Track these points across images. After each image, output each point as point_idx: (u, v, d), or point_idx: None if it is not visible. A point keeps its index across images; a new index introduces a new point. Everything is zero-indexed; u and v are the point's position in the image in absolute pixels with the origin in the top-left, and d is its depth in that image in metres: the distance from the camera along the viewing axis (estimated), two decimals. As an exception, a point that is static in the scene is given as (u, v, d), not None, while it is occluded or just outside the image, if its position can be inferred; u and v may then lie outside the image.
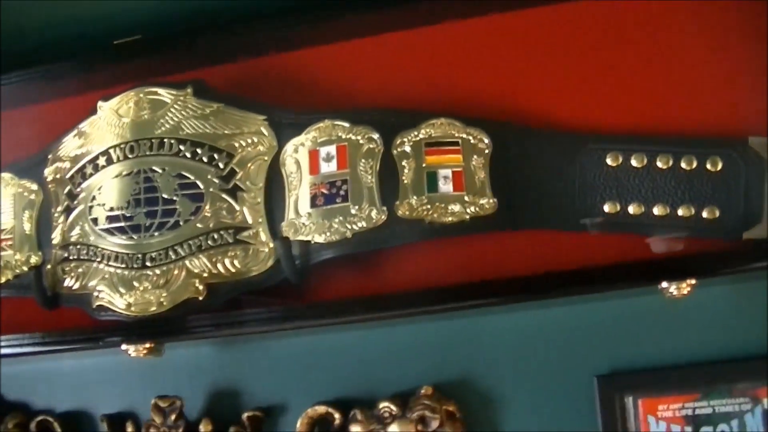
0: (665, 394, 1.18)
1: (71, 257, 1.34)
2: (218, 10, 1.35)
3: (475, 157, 1.22)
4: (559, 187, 1.22)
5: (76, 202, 1.35)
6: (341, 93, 1.32)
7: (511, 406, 1.26)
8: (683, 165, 1.18)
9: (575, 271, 1.15)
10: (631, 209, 1.20)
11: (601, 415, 1.20)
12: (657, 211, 1.19)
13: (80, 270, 1.33)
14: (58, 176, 1.38)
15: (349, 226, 1.21)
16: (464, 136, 1.23)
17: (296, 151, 1.27)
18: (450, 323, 1.29)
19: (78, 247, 1.33)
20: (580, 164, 1.22)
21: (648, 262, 1.14)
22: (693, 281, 1.10)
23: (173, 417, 1.31)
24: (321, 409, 1.27)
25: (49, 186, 1.39)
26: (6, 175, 1.44)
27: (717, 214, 1.17)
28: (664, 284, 1.11)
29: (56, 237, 1.36)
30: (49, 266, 1.36)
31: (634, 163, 1.20)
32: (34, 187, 1.40)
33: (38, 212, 1.40)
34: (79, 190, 1.35)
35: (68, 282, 1.34)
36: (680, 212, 1.18)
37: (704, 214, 1.17)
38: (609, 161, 1.21)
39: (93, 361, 1.44)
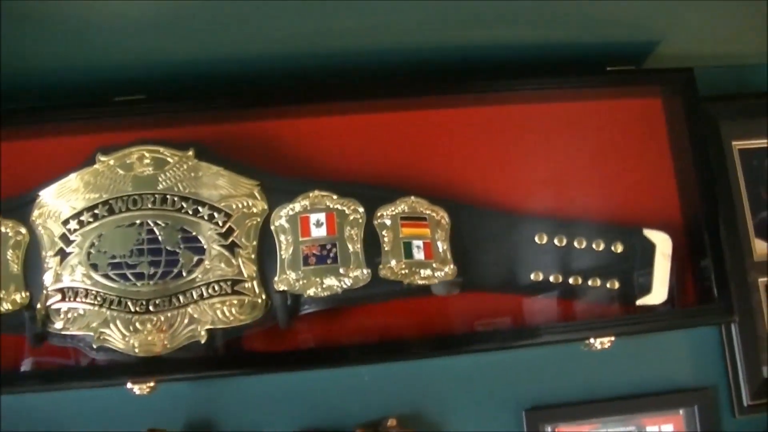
0: (576, 423, 1.55)
1: (67, 299, 1.44)
2: (220, 74, 1.51)
3: (438, 231, 1.50)
4: (497, 257, 1.54)
5: (71, 247, 1.45)
6: (327, 163, 1.53)
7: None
8: (593, 246, 1.55)
9: (512, 329, 1.49)
10: (551, 278, 1.54)
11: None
12: (572, 281, 1.54)
13: (78, 312, 1.43)
14: (50, 220, 1.46)
15: (338, 284, 1.45)
16: (430, 212, 1.51)
17: (288, 216, 1.47)
18: (405, 364, 1.56)
19: (74, 290, 1.44)
20: (513, 241, 1.54)
21: (577, 323, 1.49)
22: (612, 338, 1.47)
23: (163, 449, 1.47)
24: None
25: (38, 228, 1.47)
26: (-11, 213, 1.49)
27: (617, 285, 1.55)
28: (591, 340, 1.47)
29: (48, 279, 1.45)
30: (39, 306, 1.45)
31: (556, 242, 1.55)
32: (22, 229, 1.47)
33: (24, 253, 1.48)
34: (75, 236, 1.45)
35: (61, 322, 1.44)
36: (590, 282, 1.55)
37: (607, 285, 1.55)
38: (536, 239, 1.55)
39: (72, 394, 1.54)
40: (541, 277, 1.54)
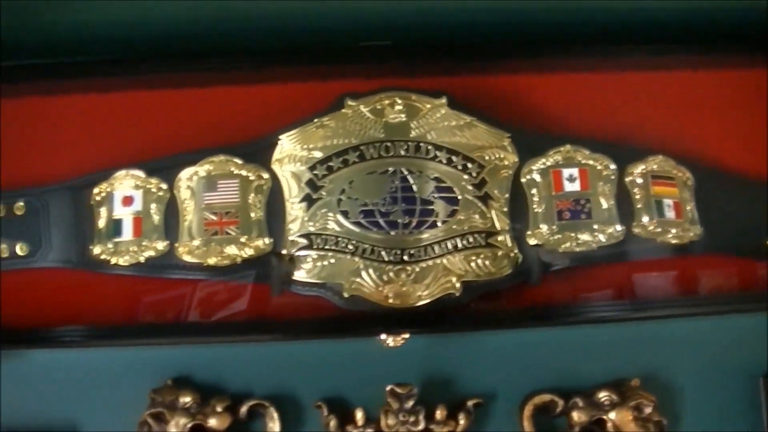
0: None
1: (314, 246, 1.38)
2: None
3: (685, 191, 1.47)
4: (743, 222, 1.50)
5: (319, 193, 1.39)
6: (573, 119, 1.49)
7: (685, 400, 1.51)
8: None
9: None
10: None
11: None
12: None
13: (326, 260, 1.38)
14: (294, 165, 1.41)
15: (592, 240, 1.41)
16: (676, 172, 1.47)
17: (539, 169, 1.43)
18: (640, 326, 1.51)
19: (323, 237, 1.38)
20: (756, 208, 1.50)
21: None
22: None
23: (410, 403, 1.41)
24: (546, 396, 1.44)
25: (280, 173, 1.41)
26: (224, 158, 1.43)
27: None
28: None
29: (294, 226, 1.39)
30: (284, 252, 1.39)
31: None
32: (264, 174, 1.41)
33: (267, 198, 1.42)
34: (323, 182, 1.40)
35: (307, 270, 1.38)
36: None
37: None
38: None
39: (292, 346, 1.48)
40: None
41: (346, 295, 1.36)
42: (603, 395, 1.43)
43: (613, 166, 1.44)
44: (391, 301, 1.36)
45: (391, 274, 1.37)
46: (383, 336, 1.36)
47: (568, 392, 1.44)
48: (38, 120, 1.49)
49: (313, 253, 1.38)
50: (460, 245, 1.39)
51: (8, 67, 1.51)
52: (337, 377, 1.46)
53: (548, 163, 1.43)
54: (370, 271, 1.37)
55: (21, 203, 1.46)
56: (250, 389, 1.45)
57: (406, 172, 1.40)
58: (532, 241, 1.41)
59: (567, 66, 1.50)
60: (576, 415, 1.43)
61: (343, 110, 1.42)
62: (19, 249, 1.45)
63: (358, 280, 1.37)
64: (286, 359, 1.46)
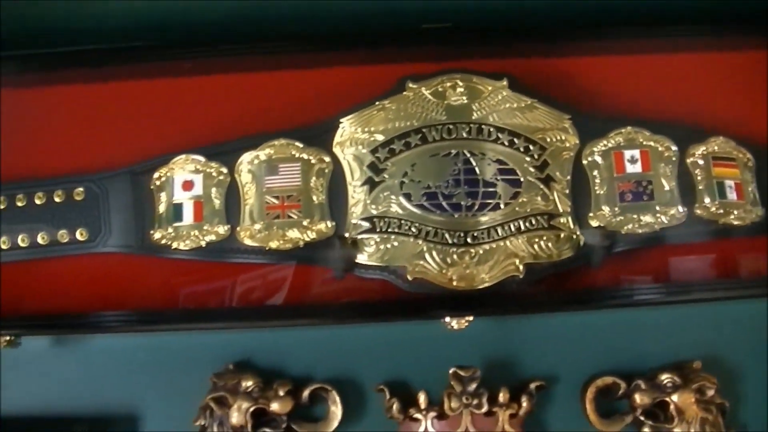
0: None
1: (377, 230, 1.38)
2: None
3: (746, 172, 1.46)
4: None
5: (381, 176, 1.39)
6: (631, 101, 1.48)
7: (746, 382, 1.50)
8: None
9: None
10: None
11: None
12: None
13: (389, 243, 1.37)
14: (355, 148, 1.40)
15: (655, 221, 1.40)
16: (737, 153, 1.47)
17: (601, 151, 1.42)
18: (700, 307, 1.50)
19: (386, 220, 1.38)
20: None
21: None
22: None
23: (474, 386, 1.40)
24: (608, 379, 1.44)
25: (342, 156, 1.41)
26: (285, 142, 1.42)
27: None
28: None
29: (356, 209, 1.39)
30: (346, 236, 1.39)
31: None
32: (326, 157, 1.41)
33: (328, 182, 1.41)
34: (386, 164, 1.39)
35: (370, 254, 1.38)
36: None
37: None
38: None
39: (352, 330, 1.48)
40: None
41: (409, 278, 1.36)
42: (665, 378, 1.43)
43: (674, 148, 1.43)
44: (455, 283, 1.36)
45: (455, 256, 1.37)
46: (447, 319, 1.35)
47: (630, 375, 1.44)
48: (96, 106, 1.49)
49: (376, 236, 1.38)
50: (522, 227, 1.38)
51: (62, 54, 1.51)
52: (399, 360, 1.46)
53: (609, 145, 1.43)
54: (434, 253, 1.37)
55: (80, 189, 1.46)
56: (311, 373, 1.46)
57: (468, 155, 1.39)
58: (594, 223, 1.40)
59: (626, 48, 1.49)
60: (638, 398, 1.42)
61: (404, 93, 1.42)
62: (79, 234, 1.45)
63: (421, 262, 1.36)
64: (347, 343, 1.47)
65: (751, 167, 1.46)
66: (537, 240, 1.38)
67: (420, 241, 1.37)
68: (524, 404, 1.41)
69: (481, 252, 1.37)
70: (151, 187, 1.44)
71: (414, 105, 1.41)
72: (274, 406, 1.41)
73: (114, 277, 1.45)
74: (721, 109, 1.49)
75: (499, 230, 1.38)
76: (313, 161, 1.41)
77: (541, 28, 1.50)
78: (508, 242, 1.38)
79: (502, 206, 1.38)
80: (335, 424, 1.42)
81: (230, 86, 1.47)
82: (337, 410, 1.42)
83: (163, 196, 1.43)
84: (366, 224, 1.38)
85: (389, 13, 1.47)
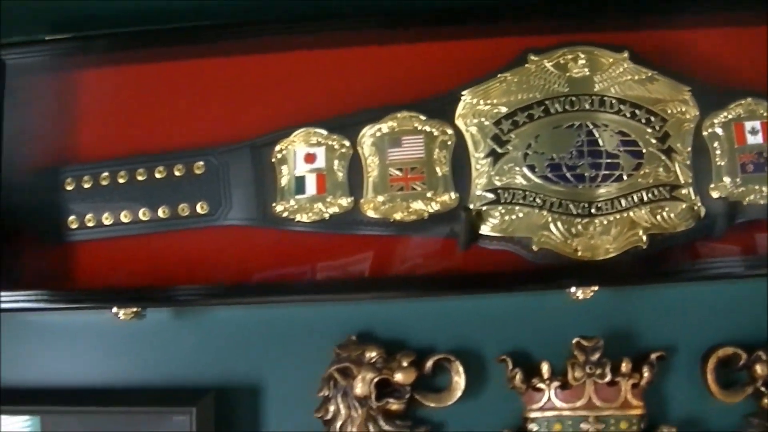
0: None
1: (501, 201, 1.39)
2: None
3: None
4: None
5: (505, 147, 1.40)
6: (750, 73, 1.47)
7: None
8: None
9: None
10: None
11: None
12: None
13: (513, 214, 1.38)
14: (478, 120, 1.41)
15: (772, 192, 1.40)
16: None
17: (722, 123, 1.43)
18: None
19: (510, 191, 1.39)
20: None
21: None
22: None
23: (597, 356, 1.41)
24: (729, 349, 1.44)
25: (464, 128, 1.42)
26: (408, 114, 1.43)
27: None
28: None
29: (480, 180, 1.40)
30: (471, 207, 1.40)
31: None
32: (449, 130, 1.42)
33: (451, 154, 1.42)
34: (509, 136, 1.40)
35: (494, 225, 1.39)
36: None
37: None
38: None
39: (473, 300, 1.49)
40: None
41: (535, 248, 1.37)
42: (792, 351, 1.43)
43: (792, 119, 1.43)
44: (580, 254, 1.37)
45: (579, 227, 1.38)
46: (573, 289, 1.36)
47: (751, 346, 1.44)
48: (214, 81, 1.51)
49: (501, 208, 1.39)
50: (645, 198, 1.39)
51: (178, 30, 1.52)
52: (520, 331, 1.47)
53: (730, 117, 1.43)
54: (559, 224, 1.38)
55: (201, 162, 1.48)
56: (433, 344, 1.47)
57: (591, 126, 1.40)
58: (715, 194, 1.40)
59: (744, 20, 1.48)
60: (759, 369, 1.42)
61: (526, 65, 1.42)
62: (200, 207, 1.47)
63: (546, 233, 1.38)
64: (468, 314, 1.48)
65: None
66: (659, 211, 1.39)
67: (545, 212, 1.38)
68: (645, 374, 1.41)
69: (605, 222, 1.38)
70: (272, 160, 1.45)
71: (536, 77, 1.42)
72: (398, 377, 1.42)
73: (235, 250, 1.47)
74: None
75: (623, 201, 1.39)
76: (435, 133, 1.43)
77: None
78: (631, 213, 1.38)
79: (624, 177, 1.39)
80: (458, 394, 1.43)
81: (349, 60, 1.49)
82: (460, 381, 1.43)
83: (285, 169, 1.45)
84: (490, 195, 1.40)
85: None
